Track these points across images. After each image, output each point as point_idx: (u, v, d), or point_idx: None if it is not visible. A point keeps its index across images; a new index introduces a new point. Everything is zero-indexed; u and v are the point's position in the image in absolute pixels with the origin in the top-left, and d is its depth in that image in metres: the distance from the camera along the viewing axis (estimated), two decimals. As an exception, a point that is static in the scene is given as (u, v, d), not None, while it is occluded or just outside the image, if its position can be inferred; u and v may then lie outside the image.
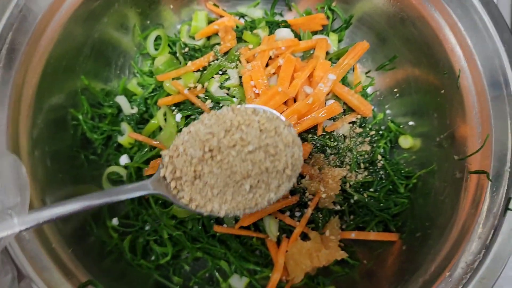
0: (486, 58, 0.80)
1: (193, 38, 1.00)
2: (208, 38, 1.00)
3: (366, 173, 0.93)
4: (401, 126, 0.98)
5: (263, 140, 0.65)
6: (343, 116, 0.89)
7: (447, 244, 0.77)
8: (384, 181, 0.93)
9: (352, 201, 0.91)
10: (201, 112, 0.86)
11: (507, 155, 0.76)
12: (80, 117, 0.88)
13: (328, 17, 1.01)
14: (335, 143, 0.86)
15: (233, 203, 0.67)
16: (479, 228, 0.74)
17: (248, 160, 0.64)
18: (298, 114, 0.81)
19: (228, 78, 0.85)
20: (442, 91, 0.88)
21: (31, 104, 0.79)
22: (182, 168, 0.66)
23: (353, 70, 1.00)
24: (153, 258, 0.89)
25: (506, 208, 0.73)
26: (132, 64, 0.98)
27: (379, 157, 0.94)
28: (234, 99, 0.84)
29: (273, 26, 0.98)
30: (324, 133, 0.86)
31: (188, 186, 0.66)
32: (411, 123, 0.97)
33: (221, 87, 0.85)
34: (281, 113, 0.82)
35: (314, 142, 0.86)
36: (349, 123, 0.90)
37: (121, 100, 0.91)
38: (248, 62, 0.86)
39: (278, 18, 1.04)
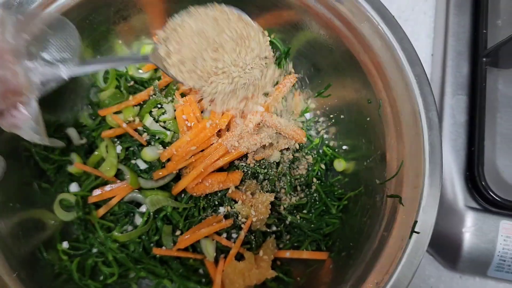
0: (401, 90, 0.87)
1: (141, 71, 1.07)
2: (156, 70, 1.06)
3: (302, 195, 1.00)
4: (336, 150, 1.05)
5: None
6: (276, 144, 0.95)
7: (362, 265, 0.84)
8: (317, 202, 1.00)
9: (287, 222, 0.98)
10: (140, 144, 0.93)
11: (417, 181, 0.83)
12: (33, 149, 0.94)
13: (267, 49, 1.07)
14: (265, 170, 0.93)
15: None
16: (388, 249, 0.80)
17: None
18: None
19: (165, 112, 0.92)
20: (368, 119, 0.95)
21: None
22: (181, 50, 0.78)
23: (293, 99, 1.08)
24: (101, 278, 0.95)
25: (412, 231, 0.79)
26: (85, 96, 1.05)
27: (314, 180, 1.01)
28: (168, 132, 0.91)
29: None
30: (255, 161, 0.93)
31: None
32: (345, 147, 1.04)
33: (157, 120, 0.93)
34: (211, 144, 0.89)
35: (245, 170, 0.93)
36: (282, 150, 0.97)
37: (71, 132, 0.98)
38: (182, 96, 0.93)
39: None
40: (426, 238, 0.79)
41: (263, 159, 0.93)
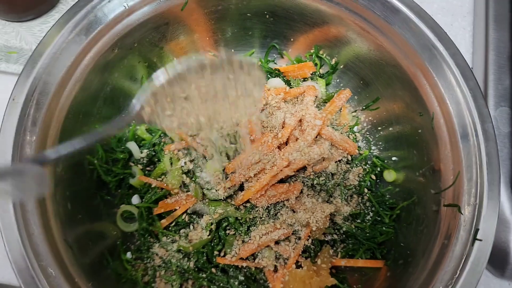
0: (456, 103, 0.90)
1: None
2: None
3: (354, 205, 1.03)
4: (385, 161, 1.08)
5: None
6: (330, 155, 0.99)
7: (424, 272, 0.86)
8: (370, 212, 1.03)
9: (341, 231, 1.01)
10: (204, 157, 0.97)
11: (474, 191, 0.86)
12: (96, 162, 0.98)
13: (316, 64, 1.11)
14: (323, 181, 0.96)
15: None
16: (450, 257, 0.83)
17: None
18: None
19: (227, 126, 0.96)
20: (419, 131, 0.98)
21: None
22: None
23: (341, 111, 1.11)
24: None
25: (474, 239, 0.82)
26: (141, 111, 1.09)
27: (366, 190, 1.04)
28: (232, 145, 0.94)
29: (266, 75, 1.09)
30: (313, 173, 0.96)
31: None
32: (394, 158, 1.07)
33: (221, 134, 0.96)
34: (274, 156, 0.93)
35: (304, 181, 0.96)
36: (337, 161, 1.00)
37: (132, 146, 1.02)
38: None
39: (272, 65, 1.15)
40: (488, 246, 0.82)
41: (321, 170, 0.96)
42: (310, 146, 0.94)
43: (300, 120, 0.97)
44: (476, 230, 0.83)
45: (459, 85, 0.91)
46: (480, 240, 0.82)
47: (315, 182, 0.95)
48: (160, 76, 0.73)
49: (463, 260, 0.82)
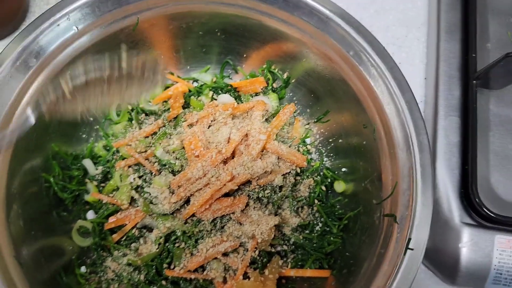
0: (394, 115, 0.93)
1: (150, 102, 1.15)
2: (165, 102, 1.14)
3: (305, 216, 1.05)
4: (335, 172, 1.10)
5: None
6: (277, 168, 1.01)
7: (362, 281, 0.89)
8: (319, 223, 1.05)
9: (290, 242, 1.03)
10: (151, 173, 1.00)
11: (409, 201, 0.88)
12: (52, 179, 1.01)
13: (268, 79, 1.15)
14: (269, 194, 0.99)
15: None
16: (385, 266, 0.86)
17: None
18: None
19: (173, 142, 0.99)
20: (364, 142, 1.01)
21: (5, 171, 0.93)
22: None
23: (294, 124, 1.15)
24: (116, 300, 1.01)
25: (406, 248, 0.85)
26: (99, 128, 1.13)
27: (316, 201, 1.07)
28: (177, 161, 0.98)
29: (217, 91, 1.13)
30: (258, 186, 0.99)
31: None
32: (344, 169, 1.10)
33: (167, 151, 0.99)
34: (218, 171, 0.96)
35: (250, 195, 0.99)
36: (284, 174, 1.03)
37: (87, 163, 1.05)
38: (189, 126, 1.00)
39: (227, 80, 1.19)
40: (419, 255, 0.84)
41: (266, 183, 0.99)
42: (254, 160, 0.97)
43: (246, 135, 1.00)
44: (409, 240, 0.85)
45: (396, 98, 0.94)
46: (412, 249, 0.84)
47: (260, 195, 0.98)
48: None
49: (395, 269, 0.84)
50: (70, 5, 0.98)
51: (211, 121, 1.03)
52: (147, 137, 1.04)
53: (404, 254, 0.84)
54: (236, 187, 0.95)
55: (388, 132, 0.94)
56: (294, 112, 1.16)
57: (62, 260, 1.01)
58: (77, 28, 0.98)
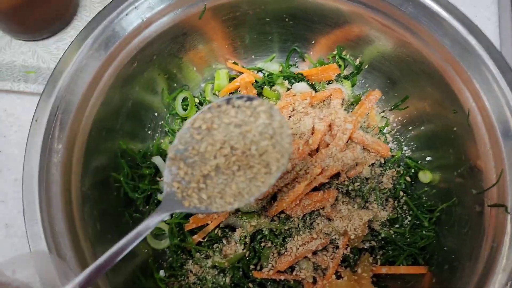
0: (493, 98, 0.86)
1: (217, 95, 1.08)
2: (231, 94, 1.08)
3: (390, 209, 0.99)
4: (419, 162, 1.04)
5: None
6: (363, 159, 0.95)
7: (474, 277, 0.82)
8: (408, 216, 0.99)
9: (380, 237, 0.97)
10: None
11: (523, 188, 0.81)
12: (122, 179, 0.95)
13: (339, 66, 1.08)
14: (358, 186, 0.93)
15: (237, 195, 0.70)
16: (503, 260, 0.79)
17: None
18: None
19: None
20: (454, 128, 0.94)
21: (79, 169, 0.87)
22: (186, 177, 0.70)
23: (369, 112, 1.08)
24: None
25: (527, 239, 0.78)
26: (164, 124, 1.06)
27: (401, 193, 1.00)
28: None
29: (289, 79, 1.06)
30: (347, 178, 0.92)
31: (196, 191, 0.70)
32: (428, 158, 1.03)
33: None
34: (306, 164, 0.89)
35: (339, 188, 0.92)
36: (370, 165, 0.96)
37: (157, 160, 0.99)
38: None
39: (293, 69, 1.12)
40: (544, 244, 0.78)
41: (355, 176, 0.92)
42: (342, 151, 0.90)
43: (330, 125, 0.93)
44: (528, 230, 0.78)
45: (495, 79, 0.87)
46: (534, 240, 0.78)
47: (350, 188, 0.92)
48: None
49: (519, 262, 0.78)
50: (137, -7, 0.92)
51: (291, 111, 0.96)
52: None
53: (526, 246, 0.78)
54: (327, 180, 0.89)
55: (486, 116, 0.87)
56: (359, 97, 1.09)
57: (139, 264, 0.96)
58: (144, 17, 0.92)
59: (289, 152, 0.70)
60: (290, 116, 0.95)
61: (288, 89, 1.03)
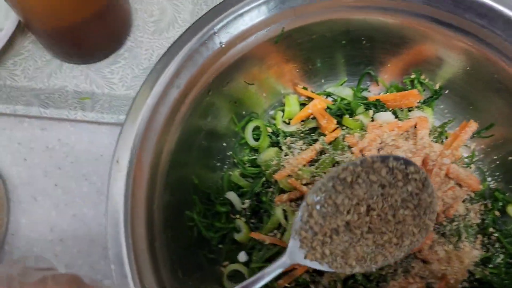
0: None
1: (287, 123, 1.02)
2: (302, 121, 1.01)
3: (479, 247, 0.92)
4: (506, 194, 0.97)
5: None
6: (456, 196, 0.88)
7: None
8: (501, 254, 0.92)
9: (472, 278, 0.90)
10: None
11: None
12: (195, 217, 0.88)
13: (419, 91, 1.01)
14: (456, 226, 0.86)
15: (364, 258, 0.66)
16: None
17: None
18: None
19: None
20: (548, 158, 0.88)
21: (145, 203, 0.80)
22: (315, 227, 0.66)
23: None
24: None
25: None
26: (232, 154, 1.00)
27: (491, 229, 0.93)
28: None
29: (368, 106, 1.00)
30: (445, 218, 0.86)
31: (320, 244, 0.66)
32: (517, 190, 0.97)
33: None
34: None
35: (436, 229, 0.86)
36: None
37: (232, 196, 0.93)
38: (361, 152, 0.87)
39: (365, 94, 1.05)
40: None
41: (453, 214, 0.86)
42: (439, 188, 0.84)
43: (423, 160, 0.87)
44: None
45: None
46: None
47: (448, 228, 0.85)
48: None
49: None
50: (215, 17, 0.85)
51: (379, 143, 0.89)
52: (305, 165, 0.90)
53: None
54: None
55: None
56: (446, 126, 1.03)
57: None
58: (223, 43, 0.85)
59: (429, 230, 0.66)
60: (379, 150, 0.89)
61: (372, 119, 0.96)
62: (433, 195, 0.67)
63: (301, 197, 0.88)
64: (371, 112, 0.96)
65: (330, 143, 0.93)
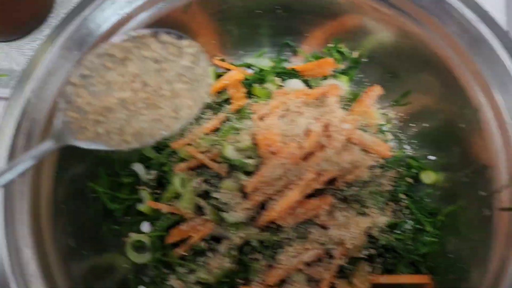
0: (506, 91, 0.78)
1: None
2: (219, 92, 1.00)
3: (390, 213, 0.91)
4: (422, 162, 0.96)
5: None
6: (363, 161, 0.87)
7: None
8: (409, 220, 0.91)
9: (378, 244, 0.89)
10: (217, 175, 0.86)
11: (538, 191, 0.74)
12: (99, 189, 0.88)
13: (336, 60, 1.00)
14: (357, 191, 0.85)
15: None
16: (515, 270, 0.72)
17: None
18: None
19: (242, 139, 0.85)
20: (462, 125, 0.87)
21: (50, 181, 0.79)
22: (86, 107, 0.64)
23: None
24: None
25: (543, 248, 0.70)
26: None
27: (402, 196, 0.92)
28: (250, 161, 0.83)
29: (281, 76, 0.98)
30: (345, 183, 0.84)
31: (91, 124, 0.64)
32: (432, 158, 0.95)
33: (236, 149, 0.85)
34: (299, 169, 0.81)
35: (335, 194, 0.85)
36: (369, 167, 0.89)
37: (138, 168, 0.92)
38: (260, 119, 0.86)
39: (286, 65, 1.04)
40: None
41: (354, 180, 0.85)
42: (339, 153, 0.82)
43: (326, 125, 0.86)
44: (544, 237, 0.71)
45: (507, 72, 0.79)
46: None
47: (347, 193, 0.84)
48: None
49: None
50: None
51: (284, 111, 0.88)
52: (208, 134, 0.90)
53: (542, 256, 0.70)
54: (322, 187, 0.81)
55: (498, 112, 0.79)
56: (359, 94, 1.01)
57: (117, 280, 0.89)
58: (122, 13, 0.84)
59: (204, 102, 0.67)
60: (283, 116, 0.87)
61: (280, 86, 0.95)
62: (207, 69, 0.67)
63: (200, 166, 0.88)
64: (277, 79, 0.95)
65: (237, 112, 0.91)
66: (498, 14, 1.10)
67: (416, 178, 0.95)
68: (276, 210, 0.79)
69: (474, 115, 0.82)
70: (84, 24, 0.82)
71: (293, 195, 0.78)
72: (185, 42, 0.66)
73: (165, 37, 0.66)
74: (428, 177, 0.94)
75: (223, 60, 1.03)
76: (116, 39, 0.66)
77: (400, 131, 1.00)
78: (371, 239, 0.89)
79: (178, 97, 0.65)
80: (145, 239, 0.88)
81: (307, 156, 0.83)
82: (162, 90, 0.64)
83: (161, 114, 0.64)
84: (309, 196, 0.84)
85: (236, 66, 1.03)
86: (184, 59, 0.66)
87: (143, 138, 0.64)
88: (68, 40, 0.81)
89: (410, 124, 0.99)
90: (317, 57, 1.02)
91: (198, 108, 0.66)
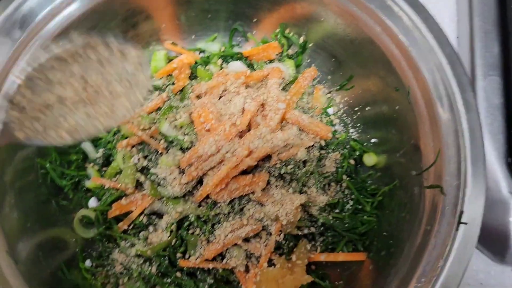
0: (432, 73, 0.81)
1: (152, 77, 1.03)
2: (169, 76, 1.02)
3: (333, 194, 0.94)
4: (364, 144, 0.98)
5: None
6: (299, 141, 0.89)
7: (406, 263, 0.77)
8: (350, 200, 0.94)
9: (319, 223, 0.92)
10: (157, 152, 0.89)
11: (458, 169, 0.76)
12: (48, 165, 0.91)
13: (283, 45, 1.02)
14: (292, 170, 0.87)
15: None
16: (434, 245, 0.74)
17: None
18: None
19: (181, 116, 0.88)
20: (397, 107, 0.89)
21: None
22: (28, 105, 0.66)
23: (314, 93, 1.03)
24: (128, 295, 0.91)
25: (459, 222, 0.73)
26: (98, 108, 1.01)
27: (344, 177, 0.95)
28: (186, 137, 0.86)
29: (227, 59, 1.01)
30: (279, 161, 0.87)
31: (30, 121, 0.66)
32: (374, 140, 0.98)
33: (173, 126, 0.88)
34: (233, 146, 0.84)
35: (271, 171, 0.87)
36: (308, 147, 0.91)
37: (86, 146, 0.94)
38: (197, 98, 0.89)
39: (237, 49, 1.07)
40: (475, 230, 0.73)
41: (288, 158, 0.87)
42: (274, 132, 0.85)
43: (263, 105, 0.88)
44: (461, 213, 0.73)
45: (434, 53, 0.82)
46: (465, 223, 0.73)
47: (282, 171, 0.87)
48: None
49: (447, 247, 0.73)
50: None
51: (222, 91, 0.91)
52: (151, 113, 0.92)
53: (457, 229, 0.73)
54: (255, 163, 0.84)
55: (426, 92, 0.82)
56: (314, 80, 1.04)
57: (65, 254, 0.91)
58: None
59: (140, 105, 0.70)
60: (220, 97, 0.90)
61: (221, 68, 0.98)
62: (148, 75, 0.71)
63: (141, 143, 0.90)
64: (219, 61, 0.98)
65: (177, 93, 0.94)
66: (449, 22, 1.14)
67: (359, 161, 0.98)
68: (210, 185, 0.82)
69: (406, 95, 0.84)
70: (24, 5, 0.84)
71: (224, 170, 0.81)
72: (131, 49, 0.69)
73: (112, 41, 0.68)
74: (369, 159, 0.96)
75: (175, 44, 1.05)
76: (64, 41, 0.68)
77: (346, 116, 1.03)
78: (312, 218, 0.92)
79: (117, 98, 0.68)
80: (91, 214, 0.90)
81: (242, 134, 0.86)
82: (102, 90, 0.67)
83: (98, 112, 0.67)
84: (246, 172, 0.87)
85: (189, 50, 1.05)
86: (128, 63, 0.68)
87: (78, 134, 0.67)
88: (6, 22, 0.83)
89: (355, 108, 1.01)
90: (266, 42, 1.04)
91: (134, 109, 0.70)
